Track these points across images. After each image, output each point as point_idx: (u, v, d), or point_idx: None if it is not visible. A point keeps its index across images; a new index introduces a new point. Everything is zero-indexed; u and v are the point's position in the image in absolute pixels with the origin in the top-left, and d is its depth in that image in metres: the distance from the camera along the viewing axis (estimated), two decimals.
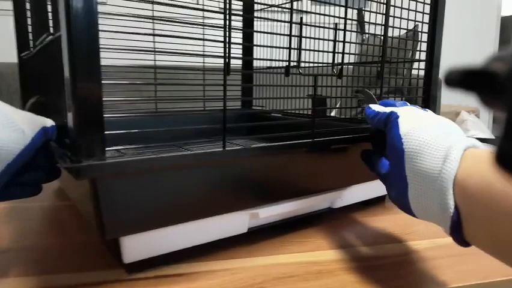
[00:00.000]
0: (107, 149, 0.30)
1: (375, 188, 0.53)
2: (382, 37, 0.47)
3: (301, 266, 0.37)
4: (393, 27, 0.48)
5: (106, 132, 0.28)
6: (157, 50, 0.36)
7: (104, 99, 0.32)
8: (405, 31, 0.51)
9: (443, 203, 0.28)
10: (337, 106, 0.74)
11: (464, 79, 0.22)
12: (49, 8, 0.35)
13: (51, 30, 0.34)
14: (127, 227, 0.32)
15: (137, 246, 0.33)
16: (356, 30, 0.47)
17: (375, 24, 0.47)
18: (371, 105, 0.40)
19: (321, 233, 0.45)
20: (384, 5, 0.46)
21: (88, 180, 0.29)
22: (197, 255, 0.38)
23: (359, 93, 0.45)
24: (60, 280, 0.34)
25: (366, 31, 0.49)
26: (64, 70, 0.27)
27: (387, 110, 0.37)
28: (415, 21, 0.51)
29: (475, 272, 0.36)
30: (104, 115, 0.29)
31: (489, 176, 0.26)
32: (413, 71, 0.56)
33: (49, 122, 0.33)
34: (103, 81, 0.28)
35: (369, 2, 0.51)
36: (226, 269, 0.36)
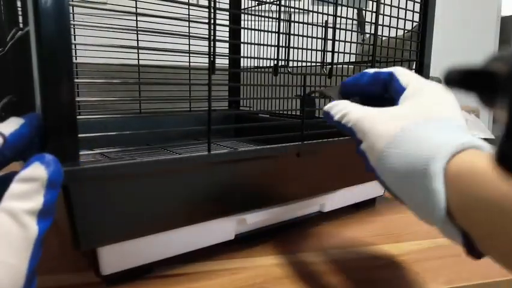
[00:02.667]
0: (88, 152, 0.28)
1: (365, 191, 0.52)
2: (373, 36, 0.45)
3: (302, 266, 0.37)
4: (383, 25, 0.47)
5: (80, 135, 0.26)
6: (140, 47, 0.34)
7: (79, 99, 0.30)
8: (404, 31, 0.50)
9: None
10: None
11: (464, 79, 0.21)
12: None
13: (21, 25, 0.32)
14: (105, 237, 0.30)
15: (116, 257, 0.31)
16: (351, 29, 0.46)
17: (371, 23, 0.46)
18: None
19: (319, 235, 0.44)
20: (375, 3, 0.45)
21: (61, 188, 0.27)
22: (195, 256, 0.37)
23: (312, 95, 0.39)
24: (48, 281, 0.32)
25: (367, 31, 0.48)
26: (33, 67, 0.25)
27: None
28: (405, 19, 0.50)
29: (475, 272, 0.36)
30: (81, 116, 0.27)
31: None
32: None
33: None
34: (76, 80, 0.26)
35: (369, 1, 0.50)
36: (226, 269, 0.36)
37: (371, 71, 0.34)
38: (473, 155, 0.23)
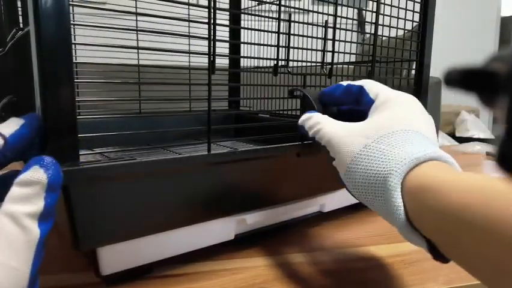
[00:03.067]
0: (88, 152, 0.28)
1: None
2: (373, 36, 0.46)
3: (302, 267, 0.37)
4: (383, 25, 0.47)
5: (79, 135, 0.26)
6: (140, 47, 0.34)
7: (79, 99, 0.30)
8: (404, 31, 0.50)
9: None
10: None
11: (464, 79, 0.21)
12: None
13: (21, 25, 0.32)
14: (104, 238, 0.30)
15: (116, 257, 0.31)
16: (351, 29, 0.46)
17: (371, 23, 0.46)
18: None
19: (319, 235, 0.44)
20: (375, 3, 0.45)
21: (61, 188, 0.27)
22: (195, 256, 0.37)
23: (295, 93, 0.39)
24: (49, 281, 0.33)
25: (367, 31, 0.48)
26: (33, 68, 0.25)
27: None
28: (405, 19, 0.50)
29: None
30: (81, 116, 0.27)
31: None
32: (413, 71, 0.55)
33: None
34: (76, 80, 0.26)
35: (369, 1, 0.50)
36: (226, 269, 0.36)
37: (344, 83, 0.35)
38: (432, 168, 0.24)
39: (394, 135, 0.27)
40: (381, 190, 0.25)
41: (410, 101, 0.31)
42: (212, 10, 0.31)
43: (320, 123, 0.32)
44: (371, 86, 0.33)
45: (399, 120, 0.29)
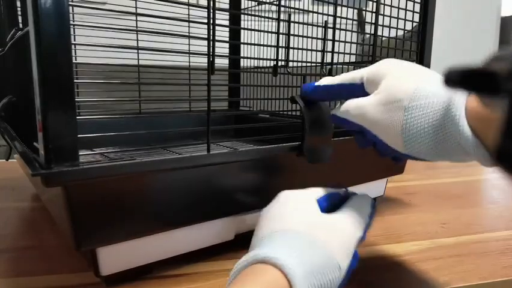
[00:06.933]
0: (88, 152, 0.28)
1: (365, 191, 0.52)
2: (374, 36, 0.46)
3: None
4: (383, 25, 0.47)
5: (79, 135, 0.26)
6: (140, 47, 0.34)
7: (79, 99, 0.30)
8: (404, 31, 0.50)
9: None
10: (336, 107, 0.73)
11: (464, 79, 0.21)
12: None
13: (21, 25, 0.32)
14: (104, 237, 0.30)
15: (116, 257, 0.31)
16: (351, 29, 0.46)
17: (371, 23, 0.46)
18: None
19: None
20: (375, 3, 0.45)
21: (61, 188, 0.27)
22: (195, 256, 0.37)
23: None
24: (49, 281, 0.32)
25: (367, 31, 0.48)
26: (32, 68, 0.25)
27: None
28: (405, 20, 0.50)
29: (475, 272, 0.36)
30: (81, 116, 0.27)
31: None
32: None
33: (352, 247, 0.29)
34: (76, 81, 0.26)
35: (369, 2, 0.50)
36: (226, 269, 0.36)
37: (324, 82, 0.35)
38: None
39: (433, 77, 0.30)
40: (445, 125, 0.26)
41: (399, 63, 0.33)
42: (212, 10, 0.31)
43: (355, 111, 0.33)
44: (369, 79, 0.33)
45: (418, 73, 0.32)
